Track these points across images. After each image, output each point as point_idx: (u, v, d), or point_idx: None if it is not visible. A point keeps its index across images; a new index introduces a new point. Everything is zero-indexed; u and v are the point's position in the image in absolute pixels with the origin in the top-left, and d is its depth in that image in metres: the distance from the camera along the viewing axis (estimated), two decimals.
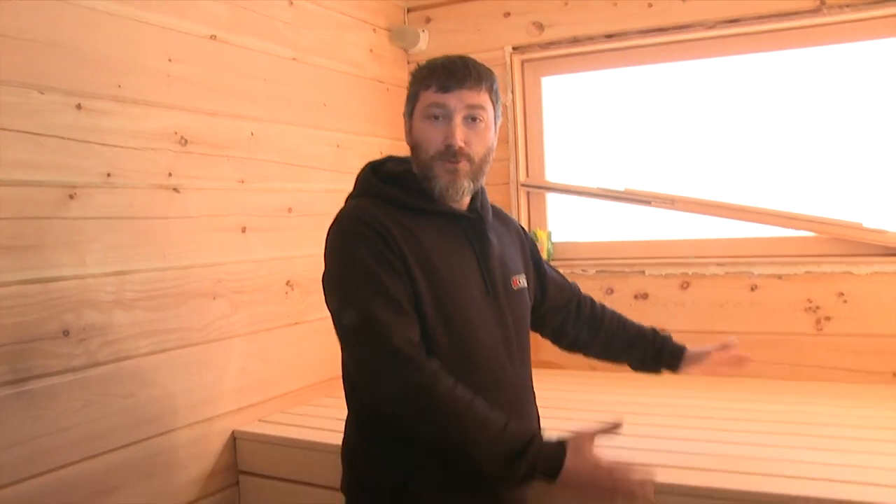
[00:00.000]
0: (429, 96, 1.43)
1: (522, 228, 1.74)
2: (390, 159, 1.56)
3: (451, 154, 1.42)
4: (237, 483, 2.18)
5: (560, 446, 1.32)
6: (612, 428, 1.41)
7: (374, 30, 2.84)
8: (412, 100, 1.49)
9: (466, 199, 1.51)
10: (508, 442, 1.30)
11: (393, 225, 1.40)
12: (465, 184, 1.45)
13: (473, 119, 1.44)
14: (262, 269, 2.27)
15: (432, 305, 1.40)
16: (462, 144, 1.42)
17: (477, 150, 1.45)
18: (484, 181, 1.53)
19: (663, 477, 1.63)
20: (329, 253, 1.44)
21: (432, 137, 1.43)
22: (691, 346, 1.86)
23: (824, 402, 2.20)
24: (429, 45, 2.98)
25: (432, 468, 1.41)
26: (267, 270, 2.29)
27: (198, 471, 2.06)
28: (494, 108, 1.49)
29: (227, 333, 2.13)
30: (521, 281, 1.59)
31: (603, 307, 1.85)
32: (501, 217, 1.66)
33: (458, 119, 1.42)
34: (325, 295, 1.46)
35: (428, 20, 3.00)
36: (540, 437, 1.34)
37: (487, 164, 1.50)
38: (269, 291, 2.30)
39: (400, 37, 2.95)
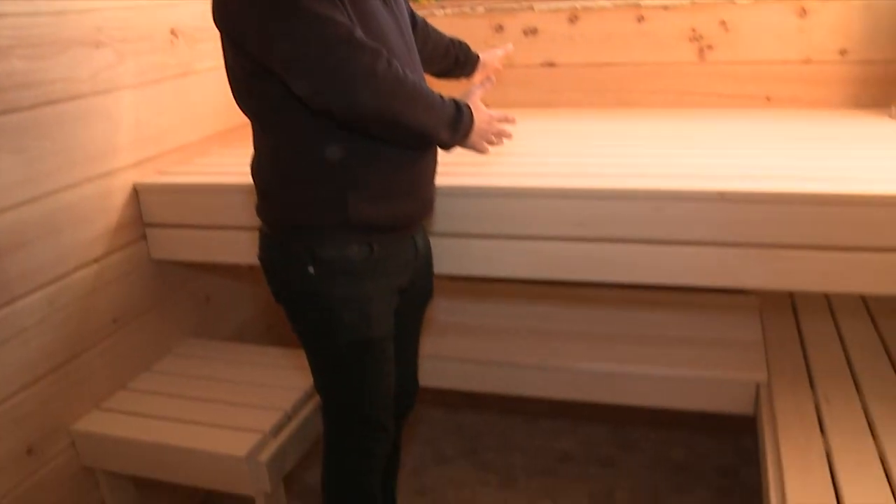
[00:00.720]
0: None
1: None
2: None
3: None
4: (144, 236, 2.20)
5: (468, 106, 1.53)
6: (487, 82, 1.69)
7: None
8: None
9: None
10: (449, 107, 1.47)
11: None
12: None
13: None
14: (143, 15, 2.14)
15: (351, 13, 1.36)
16: None
17: None
18: None
19: (572, 183, 1.78)
20: None
21: None
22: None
23: (708, 123, 2.34)
24: None
25: (368, 176, 1.46)
26: (149, 18, 2.17)
27: (103, 226, 2.05)
28: None
29: (115, 84, 2.05)
30: None
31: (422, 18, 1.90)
32: None
33: None
34: (224, 24, 1.38)
35: None
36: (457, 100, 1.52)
37: None
38: (154, 40, 2.19)
39: None
